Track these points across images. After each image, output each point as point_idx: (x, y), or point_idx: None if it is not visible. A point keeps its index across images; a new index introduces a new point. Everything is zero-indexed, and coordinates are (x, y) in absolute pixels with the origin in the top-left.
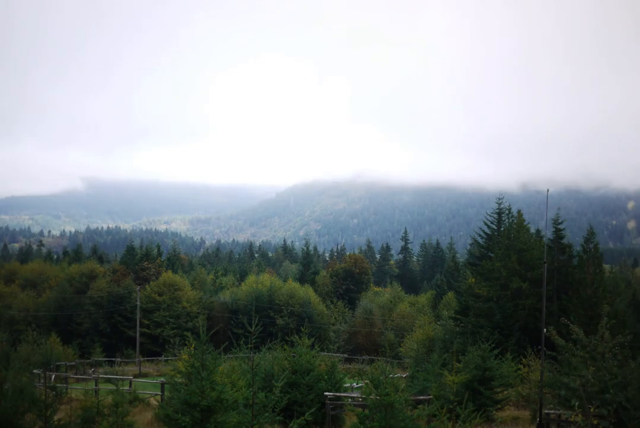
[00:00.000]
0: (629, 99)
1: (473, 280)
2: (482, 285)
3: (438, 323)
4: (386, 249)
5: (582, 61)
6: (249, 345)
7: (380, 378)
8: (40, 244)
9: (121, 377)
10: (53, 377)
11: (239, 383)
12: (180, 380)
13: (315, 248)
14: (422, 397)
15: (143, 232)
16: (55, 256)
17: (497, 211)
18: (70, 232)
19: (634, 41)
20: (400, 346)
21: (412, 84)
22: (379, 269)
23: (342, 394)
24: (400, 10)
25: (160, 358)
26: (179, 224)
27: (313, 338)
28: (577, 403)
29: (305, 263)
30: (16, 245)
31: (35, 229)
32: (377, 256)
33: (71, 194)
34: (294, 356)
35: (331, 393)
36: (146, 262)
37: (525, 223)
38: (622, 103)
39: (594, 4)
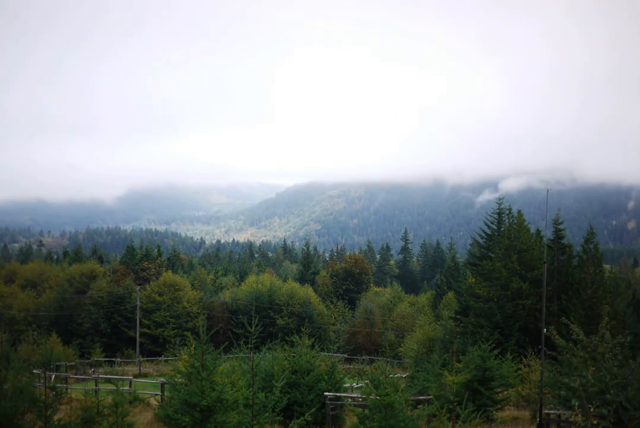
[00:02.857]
0: (631, 100)
1: (473, 280)
2: (482, 285)
3: (438, 323)
4: (386, 249)
5: (590, 61)
6: (249, 345)
7: (380, 378)
8: (40, 244)
9: (121, 377)
10: (53, 377)
11: (239, 383)
12: (180, 380)
13: (315, 248)
14: (422, 397)
15: (143, 232)
16: (55, 256)
17: (497, 211)
18: (70, 232)
19: None
20: (400, 347)
21: (411, 84)
22: (379, 269)
23: (342, 394)
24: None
25: (160, 358)
26: (178, 224)
27: (313, 338)
28: (577, 403)
29: (305, 263)
30: (16, 245)
31: (35, 230)
32: (377, 256)
33: (69, 194)
34: (294, 357)
35: (331, 394)
36: (146, 262)
37: (525, 223)
38: (624, 104)
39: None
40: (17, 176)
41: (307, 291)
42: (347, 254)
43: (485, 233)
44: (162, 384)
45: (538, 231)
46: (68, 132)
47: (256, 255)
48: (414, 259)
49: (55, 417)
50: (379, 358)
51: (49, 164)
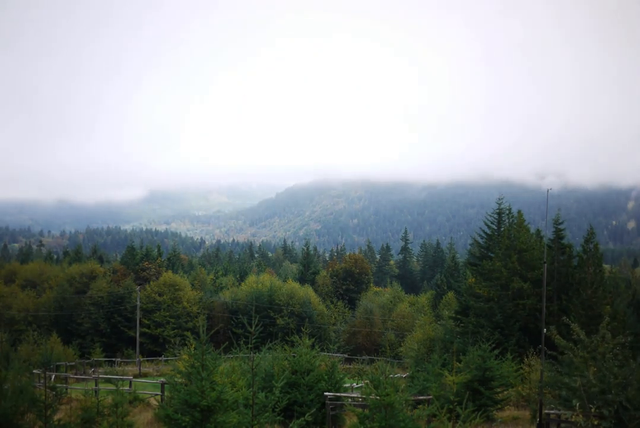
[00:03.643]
0: (631, 100)
1: (473, 280)
2: (482, 285)
3: (438, 323)
4: (386, 249)
5: (593, 63)
6: (249, 345)
7: (380, 378)
8: (40, 244)
9: (121, 377)
10: (53, 377)
11: (239, 383)
12: (180, 380)
13: (315, 248)
14: (422, 397)
15: (143, 232)
16: (55, 256)
17: (497, 211)
18: (70, 232)
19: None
20: (400, 347)
21: (411, 84)
22: (379, 269)
23: (342, 394)
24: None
25: (160, 358)
26: (179, 224)
27: (313, 338)
28: (578, 404)
29: (305, 263)
30: (16, 245)
31: (35, 230)
32: (377, 256)
33: (69, 194)
34: (294, 357)
35: (331, 394)
36: (146, 262)
37: (525, 223)
38: (624, 104)
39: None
40: (18, 176)
41: (307, 291)
42: (347, 254)
43: (485, 233)
44: (162, 384)
45: (538, 231)
46: (68, 133)
47: (256, 255)
48: (414, 259)
49: (55, 417)
50: (379, 358)
51: (49, 165)
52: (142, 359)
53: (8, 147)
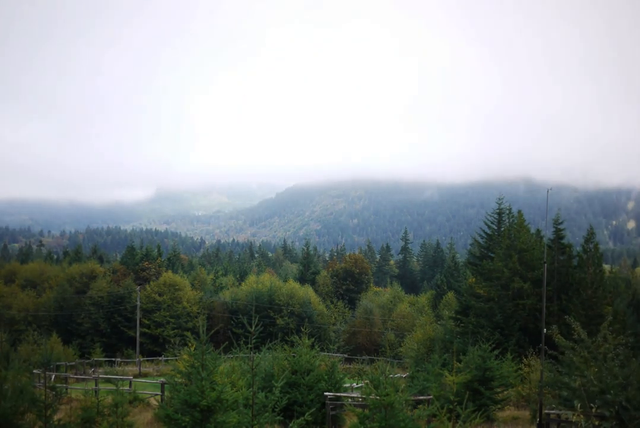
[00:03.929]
0: (631, 100)
1: (473, 279)
2: (483, 285)
3: (438, 323)
4: (386, 249)
5: (589, 65)
6: (249, 345)
7: (380, 378)
8: (40, 244)
9: (121, 377)
10: (53, 377)
11: (239, 383)
12: (180, 380)
13: (315, 248)
14: (422, 397)
15: (143, 232)
16: (55, 256)
17: (498, 211)
18: (70, 232)
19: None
20: (400, 347)
21: (411, 85)
22: (379, 269)
23: (342, 394)
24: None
25: (160, 358)
26: (179, 224)
27: (313, 338)
28: (579, 404)
29: (305, 263)
30: (16, 245)
31: (35, 230)
32: (377, 256)
33: (69, 194)
34: (294, 357)
35: (331, 393)
36: (146, 262)
37: (525, 223)
38: (623, 104)
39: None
40: (18, 176)
41: (307, 291)
42: (347, 254)
43: (486, 232)
44: (162, 384)
45: (538, 231)
46: (68, 133)
47: (256, 255)
48: (414, 259)
49: (55, 417)
50: (379, 358)
51: (49, 165)
52: (142, 359)
53: (8, 147)
